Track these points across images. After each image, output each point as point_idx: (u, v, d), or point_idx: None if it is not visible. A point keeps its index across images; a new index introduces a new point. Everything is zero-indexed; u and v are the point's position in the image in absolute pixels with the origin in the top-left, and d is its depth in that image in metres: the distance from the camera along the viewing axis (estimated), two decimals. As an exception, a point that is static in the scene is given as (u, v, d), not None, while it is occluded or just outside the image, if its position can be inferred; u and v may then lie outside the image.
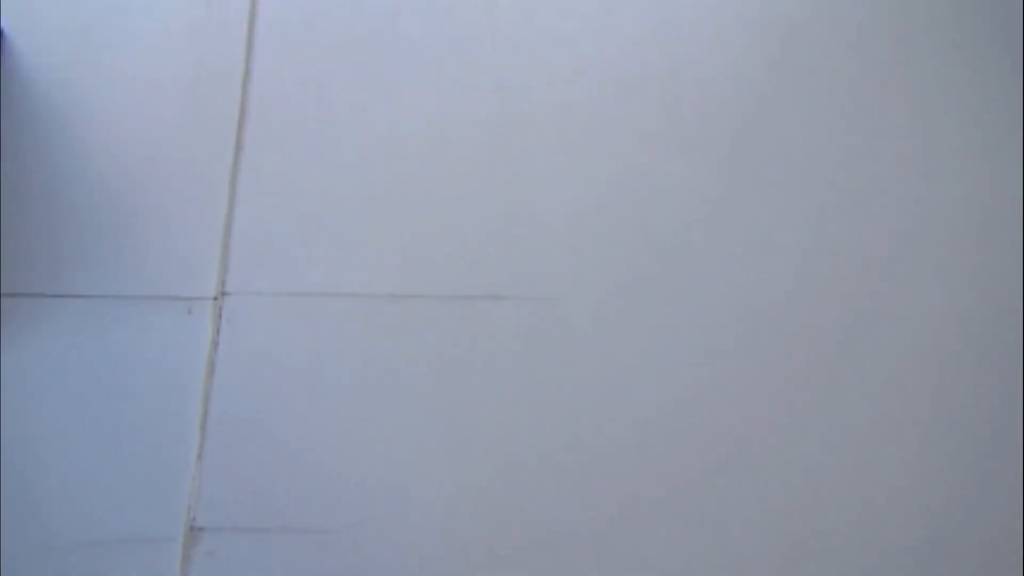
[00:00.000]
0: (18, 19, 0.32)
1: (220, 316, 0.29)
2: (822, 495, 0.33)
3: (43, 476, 0.28)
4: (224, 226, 0.30)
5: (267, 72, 0.31)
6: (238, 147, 0.31)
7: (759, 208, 0.30)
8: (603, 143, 0.31)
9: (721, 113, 0.32)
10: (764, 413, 0.31)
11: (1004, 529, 0.34)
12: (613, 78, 0.32)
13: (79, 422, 0.28)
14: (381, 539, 0.26)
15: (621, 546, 0.28)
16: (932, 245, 0.38)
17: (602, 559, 0.28)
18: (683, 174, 0.31)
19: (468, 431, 0.27)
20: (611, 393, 0.30)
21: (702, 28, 0.32)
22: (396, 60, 0.32)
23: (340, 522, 0.27)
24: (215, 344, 0.29)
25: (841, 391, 0.35)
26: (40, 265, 0.30)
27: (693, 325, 0.31)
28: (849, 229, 0.33)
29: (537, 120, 0.32)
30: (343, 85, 0.31)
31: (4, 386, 0.28)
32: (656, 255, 0.30)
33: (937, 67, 0.37)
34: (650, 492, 0.29)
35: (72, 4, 0.32)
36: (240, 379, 0.29)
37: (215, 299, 0.29)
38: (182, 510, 0.27)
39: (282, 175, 0.31)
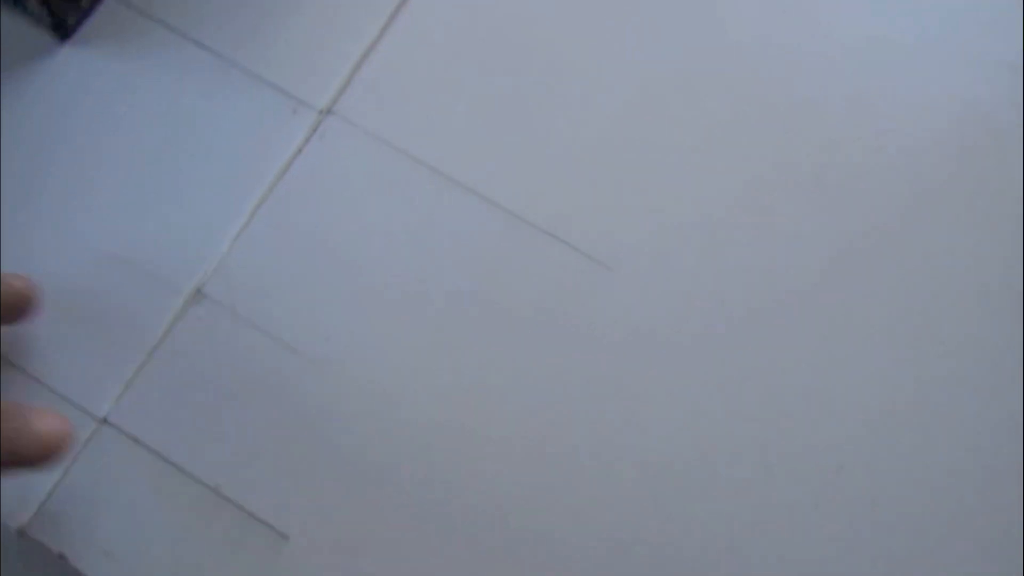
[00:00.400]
0: None
1: (316, 129, 0.30)
2: None
3: (91, 181, 0.29)
4: (365, 50, 0.30)
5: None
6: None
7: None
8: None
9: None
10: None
11: None
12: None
13: (139, 146, 0.29)
14: (357, 380, 0.26)
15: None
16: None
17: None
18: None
19: (483, 331, 0.27)
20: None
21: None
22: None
23: (327, 355, 0.27)
24: (299, 151, 0.29)
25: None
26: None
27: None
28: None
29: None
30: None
31: (74, 77, 0.30)
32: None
33: None
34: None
35: None
36: (304, 194, 0.29)
37: (320, 112, 0.29)
38: (198, 273, 0.28)
39: (441, 29, 0.31)
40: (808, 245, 0.29)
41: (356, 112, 0.31)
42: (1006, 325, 0.28)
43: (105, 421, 0.27)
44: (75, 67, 0.31)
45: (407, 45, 0.31)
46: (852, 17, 0.32)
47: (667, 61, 0.31)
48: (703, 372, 0.28)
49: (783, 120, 0.31)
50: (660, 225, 0.29)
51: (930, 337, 0.28)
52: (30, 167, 0.30)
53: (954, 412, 0.28)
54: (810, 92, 0.31)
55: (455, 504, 0.26)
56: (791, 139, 0.30)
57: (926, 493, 0.27)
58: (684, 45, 0.32)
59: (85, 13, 0.31)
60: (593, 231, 0.29)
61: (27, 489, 0.26)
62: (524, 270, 0.29)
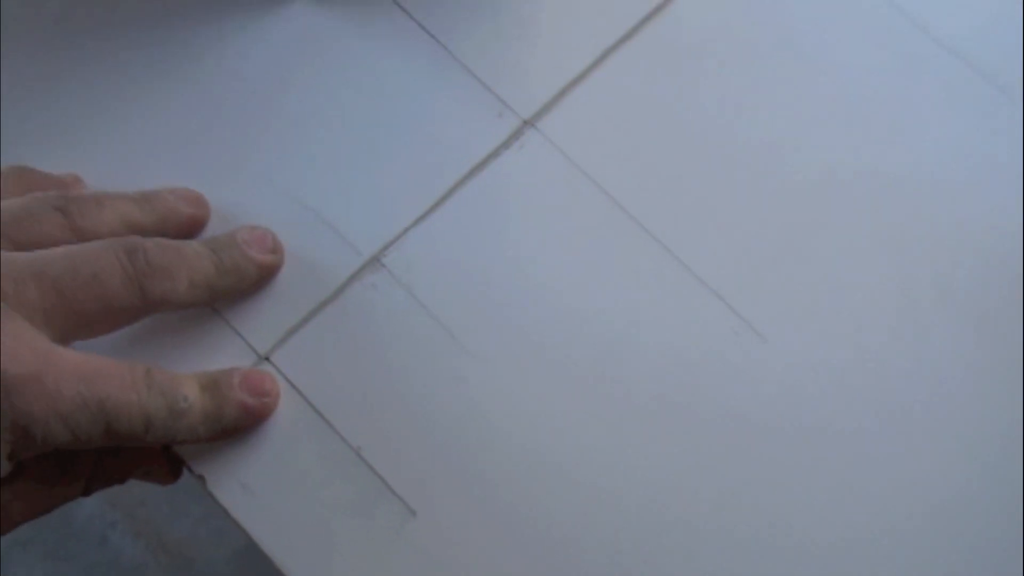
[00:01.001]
0: None
1: (517, 137, 0.31)
2: None
3: (301, 134, 0.30)
4: (582, 72, 0.31)
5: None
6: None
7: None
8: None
9: None
10: None
11: None
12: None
13: (352, 113, 0.30)
14: (509, 388, 0.27)
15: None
16: None
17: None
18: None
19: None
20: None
21: None
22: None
23: (488, 354, 0.28)
24: (495, 154, 0.30)
25: None
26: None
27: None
28: None
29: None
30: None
31: (303, 31, 0.31)
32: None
33: None
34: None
35: None
36: (491, 197, 0.30)
37: (524, 122, 0.31)
38: (381, 242, 0.29)
39: (660, 71, 0.31)
40: (957, 369, 0.30)
41: (557, 131, 0.32)
42: None
43: (266, 359, 0.28)
44: (306, 22, 0.33)
45: (624, 77, 0.32)
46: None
47: (856, 160, 0.32)
48: (844, 465, 0.28)
49: (947, 245, 0.31)
50: (818, 308, 0.30)
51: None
52: (248, 110, 0.32)
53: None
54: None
55: (580, 536, 0.27)
56: (953, 266, 0.31)
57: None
58: (875, 149, 0.32)
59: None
60: (754, 299, 0.30)
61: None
62: (681, 323, 0.30)
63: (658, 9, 0.33)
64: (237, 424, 0.26)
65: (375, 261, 0.30)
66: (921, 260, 0.30)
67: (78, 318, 0.23)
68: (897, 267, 0.30)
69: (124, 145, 0.31)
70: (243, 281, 0.27)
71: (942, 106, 0.32)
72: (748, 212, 0.31)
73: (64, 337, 0.23)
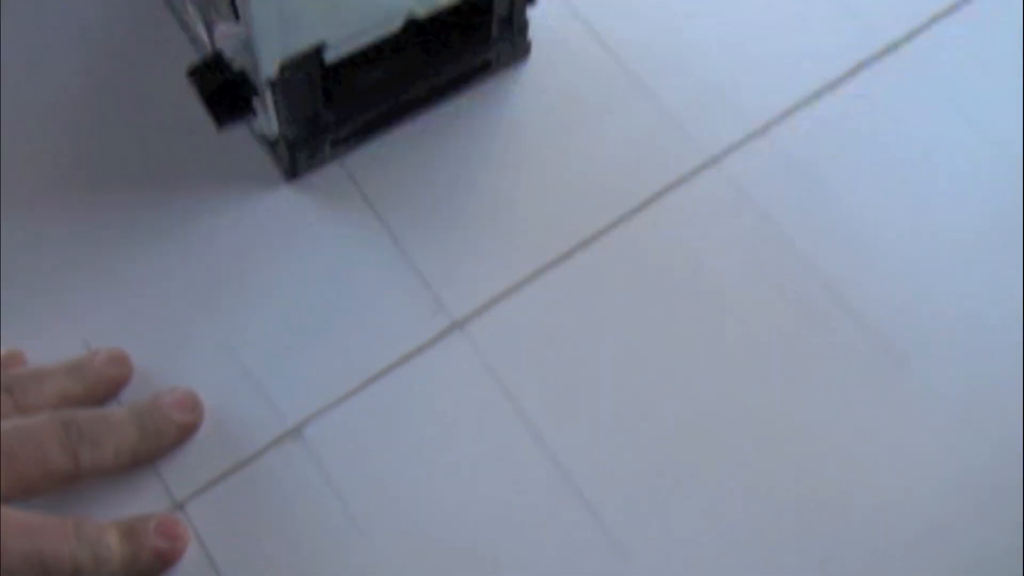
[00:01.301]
0: None
1: (442, 337, 0.34)
2: None
3: (253, 302, 0.34)
4: (515, 283, 0.34)
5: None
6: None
7: None
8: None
9: None
10: None
11: None
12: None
13: (300, 289, 0.33)
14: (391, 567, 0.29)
15: None
16: None
17: None
18: None
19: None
20: None
21: None
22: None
23: (386, 533, 0.30)
24: (420, 349, 0.33)
25: None
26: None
27: None
28: None
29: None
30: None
31: (284, 211, 0.35)
32: None
33: None
34: None
35: None
36: (408, 390, 0.33)
37: (453, 323, 0.34)
38: (303, 413, 0.32)
39: (590, 296, 0.34)
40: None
41: (482, 335, 0.35)
42: None
43: (180, 507, 0.32)
44: (285, 205, 0.37)
45: (551, 296, 0.36)
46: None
47: (750, 407, 0.35)
48: None
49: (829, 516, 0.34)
50: (687, 542, 0.33)
51: None
52: (212, 274, 0.36)
53: None
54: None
55: None
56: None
57: None
58: (768, 399, 0.36)
59: (317, 164, 0.37)
60: (627, 518, 0.33)
61: None
62: (555, 533, 0.32)
63: (592, 238, 0.37)
64: (152, 567, 0.30)
65: (296, 431, 0.33)
66: (800, 530, 0.33)
67: (21, 482, 0.27)
68: (773, 524, 0.33)
69: (84, 299, 0.35)
70: (164, 442, 0.31)
71: (839, 368, 0.36)
72: (642, 442, 0.34)
73: (7, 498, 0.27)
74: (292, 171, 0.37)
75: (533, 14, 0.39)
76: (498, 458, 0.33)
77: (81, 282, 0.35)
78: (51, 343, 0.33)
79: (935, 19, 0.44)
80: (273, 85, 0.32)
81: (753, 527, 0.33)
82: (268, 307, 0.35)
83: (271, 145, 0.37)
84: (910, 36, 0.44)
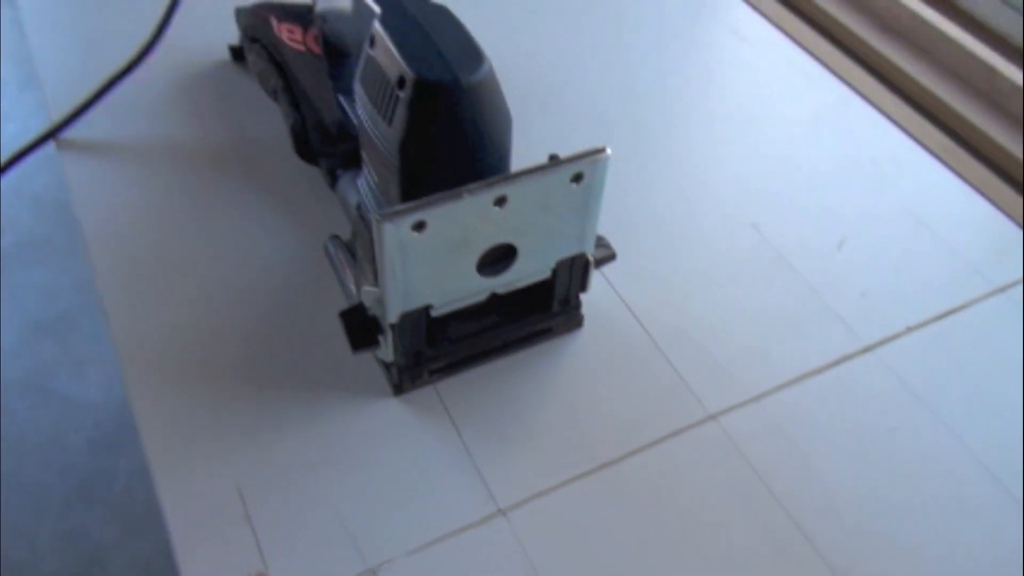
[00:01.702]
0: None
1: (488, 520, 0.46)
2: None
3: (346, 482, 0.48)
4: (555, 485, 0.46)
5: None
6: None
7: None
8: None
9: None
10: None
11: None
12: None
13: (382, 467, 0.47)
14: None
15: None
16: None
17: None
18: None
19: None
20: None
21: None
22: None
23: None
24: (469, 527, 0.45)
25: None
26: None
27: None
28: None
29: None
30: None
31: (389, 420, 0.48)
32: None
33: None
34: None
35: None
36: (459, 559, 0.45)
37: (499, 510, 0.46)
38: (378, 558, 0.44)
39: (610, 502, 0.46)
40: None
41: (523, 524, 0.47)
42: None
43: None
44: (393, 411, 0.52)
45: (583, 500, 0.48)
46: None
47: None
48: None
49: None
50: None
51: None
52: (334, 453, 0.50)
53: None
54: None
55: None
56: None
57: None
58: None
59: (417, 386, 0.52)
60: None
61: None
62: None
63: (613, 462, 0.50)
64: None
65: (370, 572, 0.45)
66: None
67: None
68: None
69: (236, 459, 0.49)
70: None
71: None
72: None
73: None
74: (399, 388, 0.52)
75: (586, 296, 0.54)
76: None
77: (236, 448, 0.50)
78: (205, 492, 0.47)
79: (909, 330, 0.57)
80: (393, 327, 0.48)
81: None
82: (367, 479, 0.49)
83: (387, 368, 0.52)
84: (884, 341, 0.56)
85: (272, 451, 0.49)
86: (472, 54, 0.45)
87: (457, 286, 0.48)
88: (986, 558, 0.47)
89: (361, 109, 0.49)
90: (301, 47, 0.64)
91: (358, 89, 0.49)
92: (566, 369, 0.54)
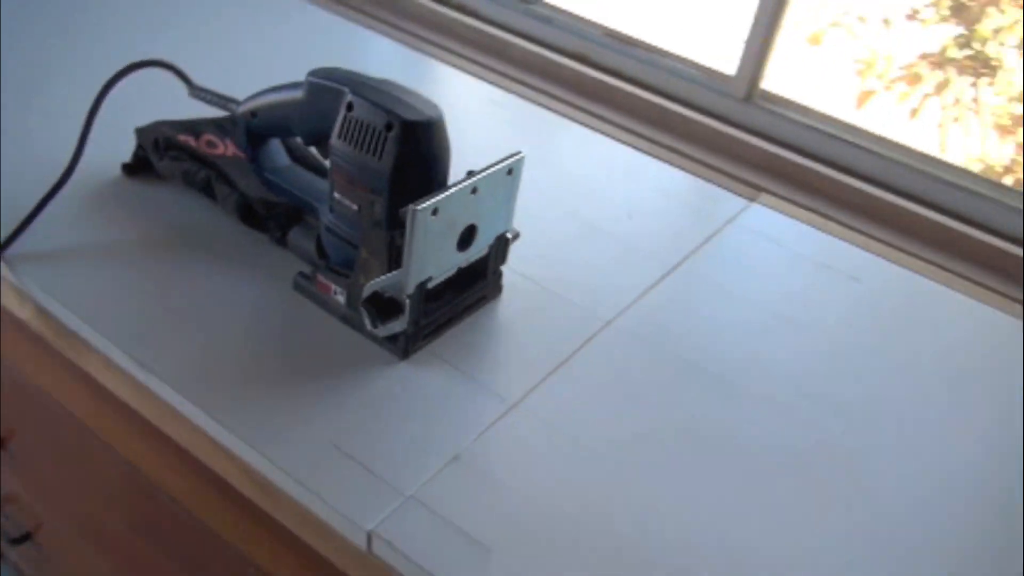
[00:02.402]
0: None
1: (500, 418, 0.66)
2: None
3: (364, 416, 0.65)
4: (542, 377, 0.67)
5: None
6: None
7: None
8: None
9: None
10: None
11: None
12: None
13: (405, 413, 0.66)
14: None
15: None
16: None
17: None
18: None
19: None
20: None
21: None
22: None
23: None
24: (490, 426, 0.65)
25: None
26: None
27: None
28: None
29: None
30: None
31: (398, 379, 0.67)
32: None
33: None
34: None
35: None
36: (481, 464, 0.65)
37: (511, 406, 0.66)
38: (409, 489, 0.61)
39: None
40: None
41: (537, 410, 0.69)
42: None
43: (369, 537, 0.61)
44: (405, 372, 0.70)
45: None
46: None
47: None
48: None
49: None
50: None
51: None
52: (362, 409, 0.67)
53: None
54: None
55: None
56: None
57: None
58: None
59: (417, 348, 0.71)
60: None
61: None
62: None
63: (567, 358, 0.73)
64: None
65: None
66: None
67: None
68: None
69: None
70: None
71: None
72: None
73: None
74: (406, 352, 0.71)
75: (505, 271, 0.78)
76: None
77: (317, 416, 0.65)
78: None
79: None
80: (410, 299, 0.68)
81: None
82: (414, 412, 0.67)
83: (394, 339, 0.71)
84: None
85: (335, 415, 0.66)
86: (429, 103, 0.68)
87: (445, 261, 0.69)
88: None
89: (342, 158, 0.69)
90: (221, 151, 0.81)
91: (338, 143, 0.68)
92: (503, 319, 0.77)
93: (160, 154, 0.82)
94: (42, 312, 0.73)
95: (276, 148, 0.81)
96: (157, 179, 0.84)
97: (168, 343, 0.69)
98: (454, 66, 1.19)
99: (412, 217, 0.63)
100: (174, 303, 0.72)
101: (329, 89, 0.70)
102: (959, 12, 1.27)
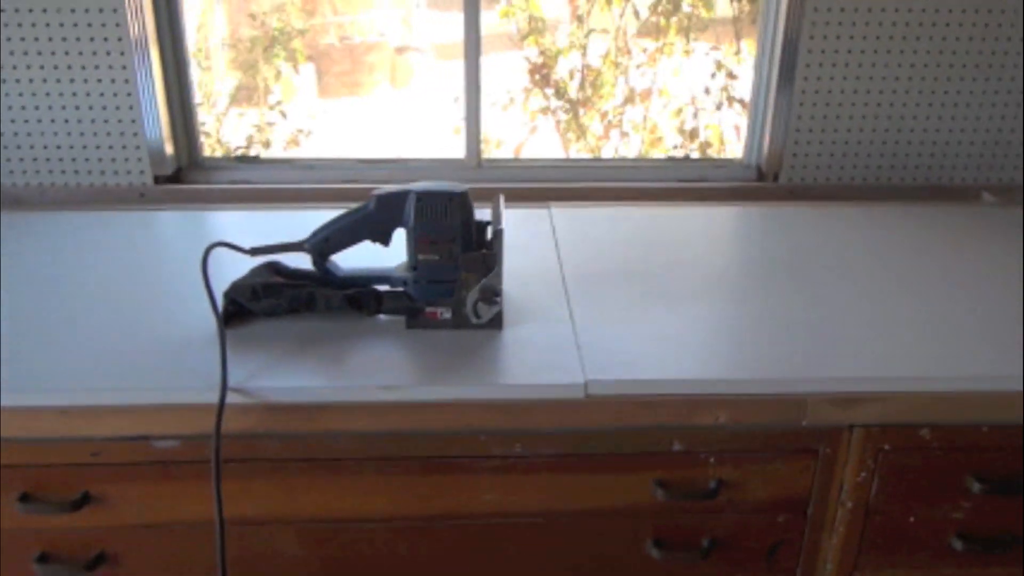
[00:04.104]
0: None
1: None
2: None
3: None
4: None
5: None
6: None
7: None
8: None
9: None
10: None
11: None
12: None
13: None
14: None
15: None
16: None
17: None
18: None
19: None
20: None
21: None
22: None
23: None
24: None
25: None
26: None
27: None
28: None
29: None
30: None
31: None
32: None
33: None
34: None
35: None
36: None
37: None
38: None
39: None
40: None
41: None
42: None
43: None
44: (511, 336, 1.17)
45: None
46: None
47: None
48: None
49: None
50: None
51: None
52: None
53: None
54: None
55: None
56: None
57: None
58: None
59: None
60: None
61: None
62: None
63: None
64: None
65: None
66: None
67: None
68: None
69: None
70: None
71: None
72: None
73: None
74: (502, 324, 1.18)
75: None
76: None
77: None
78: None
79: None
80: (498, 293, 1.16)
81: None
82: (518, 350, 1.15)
83: (490, 321, 1.17)
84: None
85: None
86: (451, 182, 1.16)
87: (500, 263, 1.19)
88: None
89: (422, 230, 1.13)
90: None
91: (417, 223, 1.13)
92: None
93: (259, 298, 1.15)
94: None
95: (332, 262, 1.20)
96: (250, 321, 1.16)
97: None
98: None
99: (499, 236, 1.13)
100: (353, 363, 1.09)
101: (396, 195, 1.14)
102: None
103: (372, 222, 1.16)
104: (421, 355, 1.10)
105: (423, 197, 1.13)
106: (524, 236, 1.46)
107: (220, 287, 1.16)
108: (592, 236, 1.47)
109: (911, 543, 1.18)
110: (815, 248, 1.43)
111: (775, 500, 1.14)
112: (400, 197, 1.14)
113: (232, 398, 1.01)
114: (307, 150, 1.81)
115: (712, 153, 2.01)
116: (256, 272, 1.19)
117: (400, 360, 1.09)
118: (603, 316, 1.20)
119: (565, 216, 1.55)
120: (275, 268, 1.19)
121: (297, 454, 1.06)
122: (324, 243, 1.16)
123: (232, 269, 1.18)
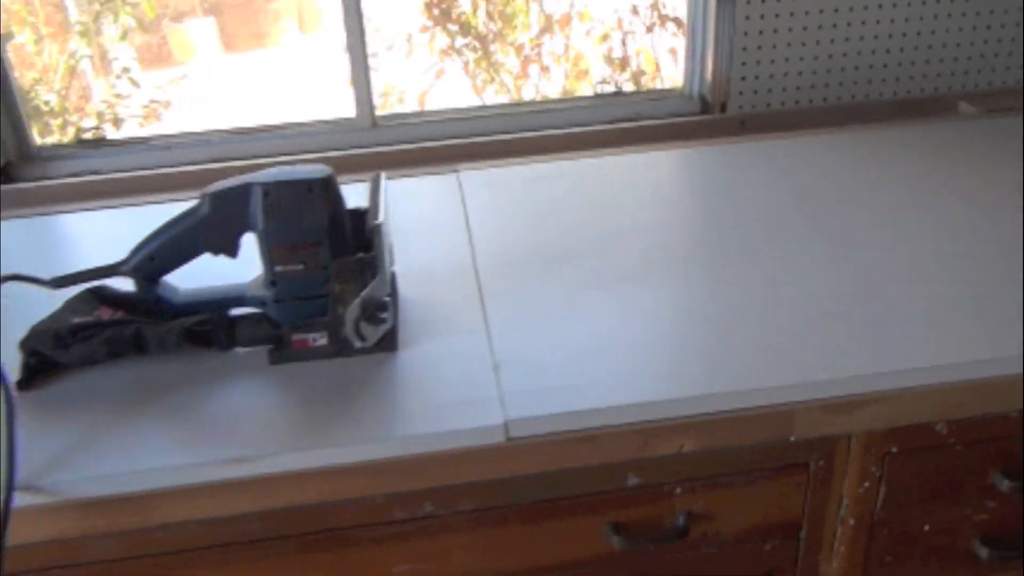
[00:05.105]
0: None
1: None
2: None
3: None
4: None
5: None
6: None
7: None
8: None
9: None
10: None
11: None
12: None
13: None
14: None
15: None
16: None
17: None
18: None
19: None
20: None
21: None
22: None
23: None
24: None
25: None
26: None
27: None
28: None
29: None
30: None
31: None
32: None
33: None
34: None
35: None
36: None
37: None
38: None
39: None
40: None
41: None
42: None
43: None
44: (409, 357, 0.91)
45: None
46: None
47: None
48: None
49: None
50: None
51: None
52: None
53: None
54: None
55: None
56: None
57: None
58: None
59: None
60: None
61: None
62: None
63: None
64: None
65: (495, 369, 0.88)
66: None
67: None
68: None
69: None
70: None
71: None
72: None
73: None
74: (395, 345, 0.91)
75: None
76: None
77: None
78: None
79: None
80: (389, 296, 0.89)
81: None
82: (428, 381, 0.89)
83: (379, 343, 0.90)
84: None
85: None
86: (311, 166, 0.88)
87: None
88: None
89: (276, 235, 0.85)
90: (120, 311, 0.89)
91: (269, 226, 0.85)
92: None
93: (66, 345, 0.86)
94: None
95: (166, 283, 0.91)
96: (63, 375, 0.88)
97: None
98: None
99: (378, 232, 0.85)
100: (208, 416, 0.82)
101: (235, 191, 0.86)
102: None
103: (208, 229, 0.87)
104: (289, 400, 0.84)
105: (271, 190, 0.85)
106: (427, 215, 1.19)
107: (21, 331, 0.87)
108: (511, 206, 1.19)
109: (925, 555, 0.97)
110: (780, 197, 1.18)
111: (760, 526, 0.91)
112: (241, 193, 0.85)
113: (24, 500, 0.73)
114: (167, 124, 1.50)
115: (647, 84, 1.73)
116: (71, 307, 0.90)
117: (261, 411, 0.82)
118: (527, 318, 0.94)
119: (478, 181, 1.28)
120: (100, 296, 0.91)
121: (131, 551, 0.80)
122: (148, 262, 0.88)
123: (47, 304, 0.89)
